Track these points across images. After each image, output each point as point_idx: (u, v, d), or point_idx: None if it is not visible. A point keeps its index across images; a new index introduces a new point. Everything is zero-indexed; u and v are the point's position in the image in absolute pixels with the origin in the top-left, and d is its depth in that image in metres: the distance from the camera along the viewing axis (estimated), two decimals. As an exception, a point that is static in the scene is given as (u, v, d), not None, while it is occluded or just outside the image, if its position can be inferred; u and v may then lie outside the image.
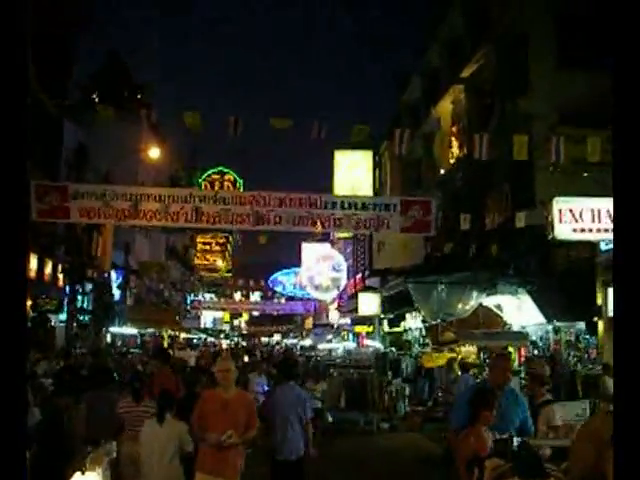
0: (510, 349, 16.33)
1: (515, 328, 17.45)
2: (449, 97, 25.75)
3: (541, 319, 15.83)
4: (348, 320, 39.55)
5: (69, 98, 27.16)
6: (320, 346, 44.15)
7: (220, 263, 53.88)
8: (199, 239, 52.88)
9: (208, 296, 64.34)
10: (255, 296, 75.57)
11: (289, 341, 67.09)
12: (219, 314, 66.33)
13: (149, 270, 44.17)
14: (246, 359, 28.93)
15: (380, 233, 18.57)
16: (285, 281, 59.88)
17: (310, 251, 46.24)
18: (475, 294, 16.80)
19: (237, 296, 73.30)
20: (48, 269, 26.20)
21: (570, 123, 16.92)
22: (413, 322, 24.51)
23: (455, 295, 16.90)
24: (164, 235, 46.26)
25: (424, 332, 24.06)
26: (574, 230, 13.03)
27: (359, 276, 37.00)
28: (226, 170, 43.33)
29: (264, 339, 79.90)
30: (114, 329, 35.67)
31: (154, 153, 39.37)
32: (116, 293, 37.24)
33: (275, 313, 72.57)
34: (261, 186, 45.59)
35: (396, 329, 28.03)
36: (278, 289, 61.84)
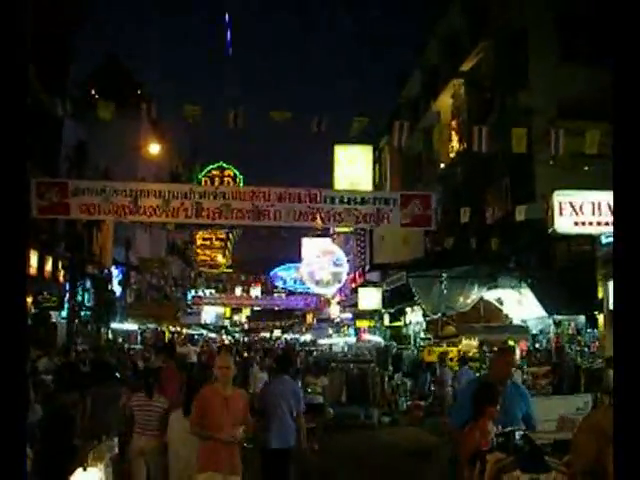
0: (511, 343, 16.33)
1: (516, 322, 17.46)
2: (449, 91, 25.74)
3: (542, 313, 15.82)
4: (349, 315, 39.57)
5: (68, 96, 27.09)
6: (321, 341, 44.23)
7: (220, 259, 53.73)
8: (199, 234, 52.71)
9: (209, 292, 64.30)
10: (256, 291, 75.55)
11: (290, 336, 67.15)
12: (220, 309, 66.27)
13: (150, 266, 44.17)
14: (246, 355, 29.06)
15: (380, 227, 18.58)
16: (286, 276, 59.80)
17: (310, 246, 46.16)
18: (476, 288, 16.81)
19: (238, 291, 73.29)
20: (48, 266, 26.18)
21: (569, 116, 16.92)
22: (414, 316, 24.51)
23: (456, 289, 16.91)
24: (164, 231, 46.23)
25: (425, 326, 24.07)
26: (575, 223, 13.01)
27: (359, 271, 37.01)
28: (226, 166, 43.09)
29: (265, 334, 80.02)
30: (115, 325, 35.71)
31: (154, 149, 39.37)
32: (117, 289, 37.26)
33: (276, 308, 72.55)
34: (261, 182, 45.43)
35: (397, 323, 28.04)
36: (279, 284, 61.80)
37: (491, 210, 16.76)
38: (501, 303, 17.68)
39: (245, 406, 7.28)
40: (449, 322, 18.85)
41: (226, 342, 51.48)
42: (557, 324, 16.40)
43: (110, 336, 35.40)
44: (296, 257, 52.84)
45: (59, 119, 25.61)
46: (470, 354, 19.05)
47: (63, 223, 26.00)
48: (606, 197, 12.35)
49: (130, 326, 37.66)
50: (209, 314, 61.26)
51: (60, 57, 26.72)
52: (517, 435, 5.64)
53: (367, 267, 33.94)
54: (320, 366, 18.45)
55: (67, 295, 27.66)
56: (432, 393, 19.28)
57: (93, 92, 36.46)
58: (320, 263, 42.89)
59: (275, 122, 11.87)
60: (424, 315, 21.20)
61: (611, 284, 13.76)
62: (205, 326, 58.25)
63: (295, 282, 57.64)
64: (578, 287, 14.94)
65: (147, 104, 12.72)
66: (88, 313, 31.62)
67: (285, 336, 70.67)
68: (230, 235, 51.71)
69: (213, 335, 59.78)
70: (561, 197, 13.03)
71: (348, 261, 42.16)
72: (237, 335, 75.85)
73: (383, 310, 28.73)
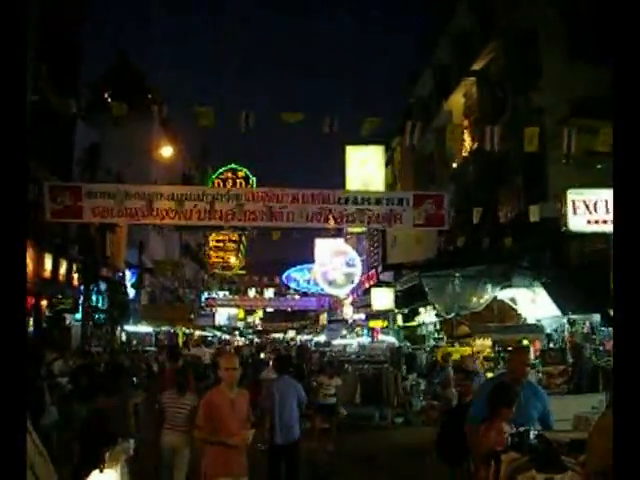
0: (525, 342, 16.26)
1: (530, 321, 17.36)
2: (461, 90, 25.68)
3: (556, 312, 15.73)
4: (362, 315, 39.53)
5: (81, 98, 27.21)
6: (335, 342, 44.13)
7: (234, 260, 53.84)
8: (212, 236, 52.83)
9: (222, 293, 64.46)
10: (269, 293, 75.65)
11: (304, 337, 67.13)
12: (233, 311, 66.44)
13: (163, 268, 44.32)
14: (262, 355, 29.18)
15: (393, 228, 18.56)
16: (299, 277, 59.77)
17: (324, 247, 46.13)
18: (489, 287, 16.73)
19: (251, 293, 73.45)
20: (63, 269, 26.33)
21: (581, 115, 16.83)
22: (427, 316, 24.44)
23: (469, 289, 16.84)
24: (178, 233, 46.36)
25: (438, 326, 24.01)
26: (588, 222, 12.93)
27: (373, 271, 36.96)
28: (239, 168, 43.19)
29: (279, 335, 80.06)
30: (129, 327, 35.84)
31: (166, 152, 39.52)
32: (130, 292, 37.38)
33: (289, 309, 72.65)
34: (273, 183, 45.44)
35: (410, 323, 27.99)
36: (292, 285, 61.82)
37: (504, 209, 16.70)
38: (515, 302, 17.60)
39: (248, 405, 7.31)
40: (463, 322, 18.78)
41: (240, 344, 51.55)
42: (571, 323, 16.32)
43: (124, 338, 35.56)
44: (309, 258, 52.82)
45: (71, 121, 25.74)
46: (484, 354, 18.97)
47: (76, 226, 26.13)
48: (620, 195, 12.25)
49: (144, 328, 37.79)
50: (222, 316, 61.46)
51: (70, 57, 26.82)
52: (532, 435, 5.61)
53: (380, 267, 33.92)
54: (334, 366, 18.42)
55: (81, 298, 27.80)
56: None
57: (106, 95, 36.67)
58: (333, 264, 42.84)
59: (287, 123, 11.89)
60: (438, 315, 21.14)
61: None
62: (219, 328, 58.37)
63: (308, 283, 57.63)
64: (592, 286, 14.81)
65: (158, 106, 12.77)
66: (102, 315, 31.75)
67: (299, 337, 70.66)
68: (243, 237, 51.77)
69: (227, 337, 59.87)
70: (574, 195, 12.95)
71: (361, 261, 42.14)
72: (251, 336, 75.92)
73: (396, 310, 28.69)
